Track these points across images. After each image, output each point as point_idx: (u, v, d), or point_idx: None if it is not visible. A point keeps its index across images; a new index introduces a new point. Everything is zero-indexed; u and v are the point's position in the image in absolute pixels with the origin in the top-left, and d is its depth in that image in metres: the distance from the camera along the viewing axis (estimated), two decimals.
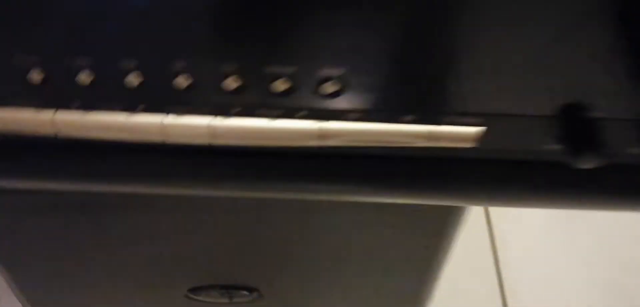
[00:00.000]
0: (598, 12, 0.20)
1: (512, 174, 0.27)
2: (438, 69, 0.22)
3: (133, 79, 0.22)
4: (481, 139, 0.24)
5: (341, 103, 0.23)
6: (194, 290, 0.43)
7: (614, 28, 0.21)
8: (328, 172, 0.27)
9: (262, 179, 0.27)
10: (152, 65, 0.22)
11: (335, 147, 0.24)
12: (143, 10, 0.20)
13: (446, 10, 0.20)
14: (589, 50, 0.21)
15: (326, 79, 0.22)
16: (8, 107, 0.24)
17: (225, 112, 0.24)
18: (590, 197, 0.27)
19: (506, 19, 0.21)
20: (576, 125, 0.24)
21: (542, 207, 0.29)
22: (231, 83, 0.22)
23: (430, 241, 0.36)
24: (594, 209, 0.28)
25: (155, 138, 0.24)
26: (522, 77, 0.22)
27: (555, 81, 0.23)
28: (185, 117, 0.24)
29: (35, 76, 0.22)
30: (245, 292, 0.43)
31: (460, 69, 0.22)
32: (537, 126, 0.24)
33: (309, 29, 0.21)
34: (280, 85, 0.22)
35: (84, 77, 0.22)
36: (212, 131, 0.24)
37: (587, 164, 0.23)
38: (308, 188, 0.28)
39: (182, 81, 0.22)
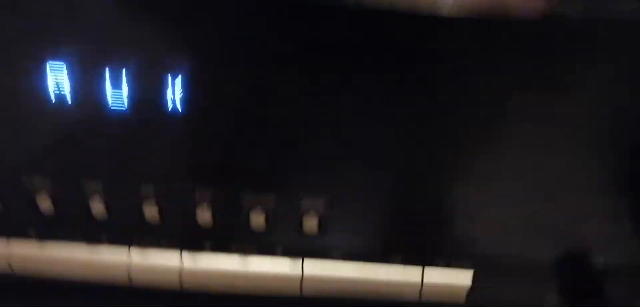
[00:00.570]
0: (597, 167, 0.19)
1: None
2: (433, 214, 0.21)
3: (97, 205, 0.20)
4: (473, 294, 0.22)
5: (323, 239, 0.21)
6: None
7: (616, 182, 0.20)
8: None
9: None
10: (118, 191, 0.20)
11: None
12: (110, 134, 0.19)
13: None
14: (593, 205, 0.20)
15: (307, 211, 0.20)
16: None
17: (197, 247, 0.22)
18: None
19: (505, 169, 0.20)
20: (578, 275, 0.22)
21: None
22: (203, 213, 0.20)
23: None
24: None
25: (120, 278, 0.22)
26: (520, 228, 0.21)
27: (556, 231, 0.21)
28: (152, 253, 0.22)
29: None
30: None
31: (455, 215, 0.21)
32: (536, 278, 0.22)
33: (290, 156, 0.20)
34: (258, 218, 0.20)
35: (43, 201, 0.20)
36: (182, 274, 0.22)
37: None
38: None
39: (150, 209, 0.20)
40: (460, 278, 0.22)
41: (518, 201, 0.20)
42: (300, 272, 0.21)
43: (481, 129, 0.19)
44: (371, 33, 0.17)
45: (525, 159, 0.19)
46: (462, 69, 0.18)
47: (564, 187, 0.20)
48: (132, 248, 0.22)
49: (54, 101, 0.19)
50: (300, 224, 0.21)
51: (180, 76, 0.18)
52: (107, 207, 0.20)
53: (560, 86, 0.18)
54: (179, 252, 0.22)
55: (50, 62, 0.18)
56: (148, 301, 0.23)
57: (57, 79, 0.18)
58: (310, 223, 0.20)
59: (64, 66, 0.18)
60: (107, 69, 0.18)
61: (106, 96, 0.18)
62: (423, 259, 0.22)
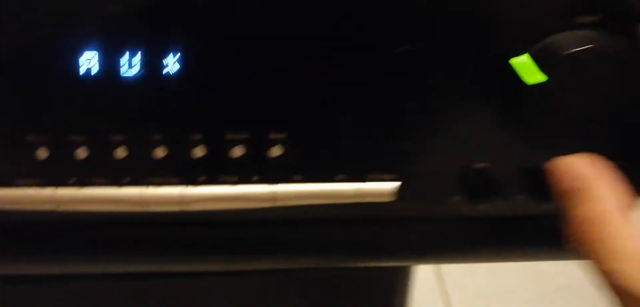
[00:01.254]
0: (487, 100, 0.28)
1: (431, 231, 0.32)
2: (367, 138, 0.29)
3: (121, 153, 0.28)
4: (400, 193, 0.30)
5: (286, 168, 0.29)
6: None
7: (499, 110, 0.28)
8: (282, 243, 0.32)
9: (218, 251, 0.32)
10: (135, 141, 0.28)
11: (286, 209, 0.30)
12: (127, 98, 0.27)
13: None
14: (483, 123, 0.29)
15: (273, 144, 0.28)
16: (14, 187, 0.29)
17: (194, 182, 0.29)
18: (495, 247, 0.33)
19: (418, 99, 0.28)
20: (473, 177, 0.30)
21: (459, 262, 0.34)
22: (198, 152, 0.28)
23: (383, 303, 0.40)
24: (505, 259, 0.34)
25: (137, 208, 0.30)
26: (431, 142, 0.29)
27: (457, 145, 0.29)
28: (161, 188, 0.29)
29: (42, 153, 0.28)
30: None
31: (381, 136, 0.29)
32: (444, 182, 0.30)
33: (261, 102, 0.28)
34: (237, 152, 0.28)
35: (81, 153, 0.28)
36: (183, 198, 0.29)
37: (481, 207, 0.30)
38: (264, 258, 0.33)
39: (159, 153, 0.28)
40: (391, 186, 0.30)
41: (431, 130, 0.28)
42: (272, 191, 0.29)
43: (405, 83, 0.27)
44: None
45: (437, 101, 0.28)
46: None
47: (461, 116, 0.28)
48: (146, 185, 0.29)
49: (82, 73, 0.27)
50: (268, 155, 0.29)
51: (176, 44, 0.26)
52: (129, 155, 0.28)
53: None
54: (182, 185, 0.29)
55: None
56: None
57: (83, 56, 0.27)
58: (277, 152, 0.28)
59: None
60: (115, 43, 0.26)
61: (119, 66, 0.27)
62: (362, 177, 0.30)
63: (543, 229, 0.32)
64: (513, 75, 0.26)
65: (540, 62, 0.25)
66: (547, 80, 0.25)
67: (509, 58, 0.26)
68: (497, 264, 0.34)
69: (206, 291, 0.42)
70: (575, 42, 0.25)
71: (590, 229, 0.23)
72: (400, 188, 0.30)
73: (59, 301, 0.41)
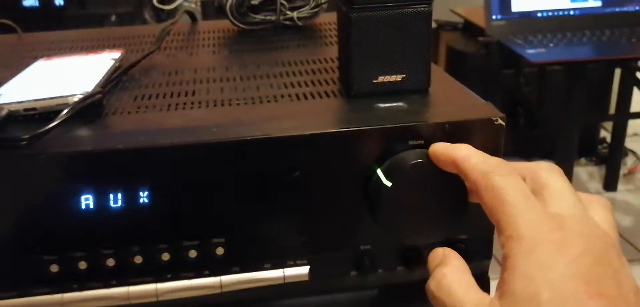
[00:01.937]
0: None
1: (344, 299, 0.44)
2: (282, 238, 0.41)
3: (110, 262, 0.40)
4: (310, 274, 0.42)
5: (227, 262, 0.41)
6: None
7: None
8: None
9: None
10: (120, 253, 0.40)
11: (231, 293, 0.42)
12: (114, 224, 0.39)
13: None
14: (363, 218, 0.41)
15: (216, 246, 0.41)
16: (31, 295, 0.41)
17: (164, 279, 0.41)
18: None
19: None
20: (360, 256, 0.42)
21: None
22: (165, 257, 0.40)
23: None
24: None
25: (124, 302, 0.41)
26: (328, 235, 0.42)
27: (348, 235, 0.42)
28: (140, 286, 0.41)
29: (53, 268, 0.40)
30: None
31: (293, 236, 0.41)
32: (341, 262, 0.43)
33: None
34: (192, 253, 0.40)
35: (81, 265, 0.40)
36: (158, 291, 0.41)
37: (370, 278, 0.42)
38: None
39: (137, 260, 0.40)
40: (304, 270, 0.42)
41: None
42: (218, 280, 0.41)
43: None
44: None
45: None
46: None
47: None
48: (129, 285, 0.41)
49: (82, 208, 0.39)
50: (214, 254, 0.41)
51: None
52: (116, 263, 0.40)
53: None
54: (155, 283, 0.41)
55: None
56: None
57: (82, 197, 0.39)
58: (219, 252, 0.41)
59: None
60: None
61: (108, 202, 0.39)
62: (283, 265, 0.42)
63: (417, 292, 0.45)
64: (377, 182, 0.39)
65: (388, 173, 0.38)
66: (392, 185, 0.38)
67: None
68: None
69: None
70: (413, 157, 0.39)
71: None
72: (310, 271, 0.42)
73: None
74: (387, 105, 0.43)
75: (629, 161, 2.26)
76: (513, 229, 0.30)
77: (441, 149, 0.37)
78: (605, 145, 2.29)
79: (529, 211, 0.30)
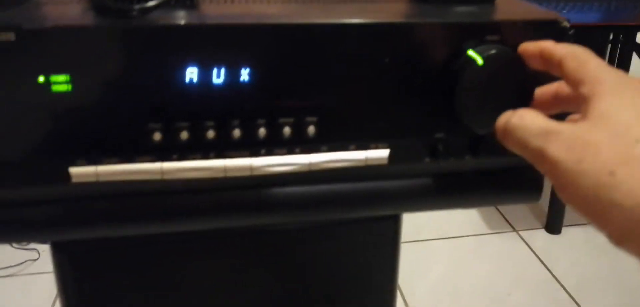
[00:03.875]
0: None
1: (410, 185, 0.48)
2: (368, 122, 0.45)
3: (210, 134, 0.43)
4: (390, 158, 0.46)
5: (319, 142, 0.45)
6: None
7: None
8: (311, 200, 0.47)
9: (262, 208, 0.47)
10: (220, 126, 0.43)
11: (315, 172, 0.45)
12: (216, 98, 0.42)
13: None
14: (439, 107, 0.45)
15: (309, 124, 0.44)
16: (132, 162, 0.43)
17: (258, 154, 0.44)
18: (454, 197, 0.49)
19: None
20: (435, 144, 0.46)
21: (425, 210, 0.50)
22: (262, 133, 0.43)
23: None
24: (457, 206, 0.50)
25: (220, 174, 0.44)
26: (409, 123, 0.46)
27: (425, 123, 0.46)
28: (236, 159, 0.44)
29: (157, 137, 0.42)
30: None
31: (377, 120, 0.45)
32: (418, 148, 0.46)
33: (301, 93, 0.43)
34: (286, 131, 0.44)
35: (183, 135, 0.42)
36: (252, 166, 0.44)
37: (442, 165, 0.46)
38: (297, 213, 0.48)
39: (236, 134, 0.43)
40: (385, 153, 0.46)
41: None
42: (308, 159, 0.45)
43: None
44: None
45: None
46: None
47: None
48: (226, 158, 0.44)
49: (187, 82, 0.41)
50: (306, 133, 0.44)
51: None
52: (215, 136, 0.43)
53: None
54: (250, 157, 0.44)
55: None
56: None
57: (187, 70, 0.41)
58: (311, 131, 0.44)
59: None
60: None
61: (211, 77, 0.42)
62: (366, 147, 0.45)
63: (483, 181, 0.49)
64: (454, 78, 0.43)
65: (480, 53, 0.42)
66: (483, 64, 0.42)
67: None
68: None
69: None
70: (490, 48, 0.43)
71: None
72: (390, 154, 0.46)
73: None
74: (462, 8, 0.47)
75: None
76: (597, 78, 0.34)
77: (530, 45, 0.41)
78: None
79: (611, 71, 0.35)
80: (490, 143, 0.46)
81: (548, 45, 0.40)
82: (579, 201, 0.32)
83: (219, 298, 0.57)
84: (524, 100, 0.43)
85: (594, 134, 0.32)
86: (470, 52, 0.42)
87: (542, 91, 0.43)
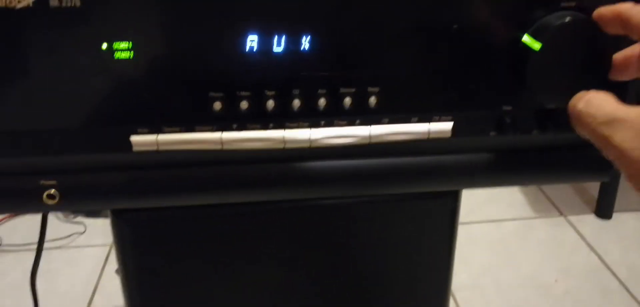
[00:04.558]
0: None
1: (473, 160, 0.47)
2: (431, 93, 0.43)
3: (270, 105, 0.42)
4: (454, 131, 0.44)
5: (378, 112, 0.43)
6: None
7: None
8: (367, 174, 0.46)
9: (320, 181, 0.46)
10: (280, 96, 0.42)
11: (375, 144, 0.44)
12: (276, 67, 0.41)
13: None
14: (507, 79, 0.43)
15: (370, 94, 0.42)
16: (192, 132, 0.43)
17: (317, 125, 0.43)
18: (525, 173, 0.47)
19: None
20: (502, 117, 0.45)
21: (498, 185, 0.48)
22: (321, 103, 0.42)
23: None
24: (520, 182, 0.48)
25: (279, 145, 0.43)
26: (474, 94, 0.44)
27: (491, 95, 0.44)
28: (295, 130, 0.43)
29: (217, 106, 0.42)
30: None
31: (442, 91, 0.43)
32: (483, 121, 0.45)
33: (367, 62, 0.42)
34: (347, 102, 0.42)
35: (243, 105, 0.42)
36: (311, 138, 0.43)
37: (508, 139, 0.44)
38: (352, 187, 0.47)
39: (296, 104, 0.42)
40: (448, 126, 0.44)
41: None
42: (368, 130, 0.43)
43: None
44: None
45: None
46: None
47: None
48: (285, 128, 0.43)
49: (247, 50, 0.41)
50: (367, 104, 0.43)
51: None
52: (275, 106, 0.42)
53: None
54: (309, 128, 0.43)
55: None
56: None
57: (247, 38, 0.41)
58: (372, 102, 0.43)
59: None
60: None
61: (271, 45, 0.41)
62: (429, 119, 0.44)
63: (549, 158, 0.47)
64: (525, 48, 0.41)
65: (537, 36, 0.40)
66: (542, 47, 0.40)
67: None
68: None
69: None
70: (557, 19, 0.40)
71: None
72: (454, 127, 0.44)
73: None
74: None
75: None
76: None
77: (606, 9, 0.39)
78: None
79: None
80: (559, 117, 0.44)
81: (625, 8, 0.37)
82: None
83: (273, 271, 0.57)
84: (601, 69, 0.40)
85: None
86: (545, 20, 0.40)
87: (623, 55, 0.40)
